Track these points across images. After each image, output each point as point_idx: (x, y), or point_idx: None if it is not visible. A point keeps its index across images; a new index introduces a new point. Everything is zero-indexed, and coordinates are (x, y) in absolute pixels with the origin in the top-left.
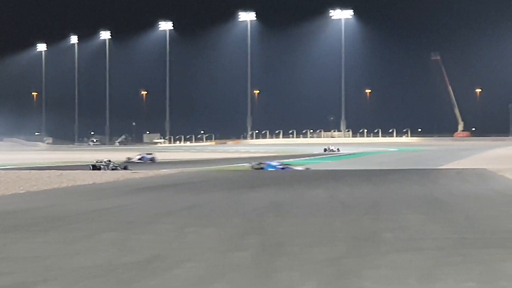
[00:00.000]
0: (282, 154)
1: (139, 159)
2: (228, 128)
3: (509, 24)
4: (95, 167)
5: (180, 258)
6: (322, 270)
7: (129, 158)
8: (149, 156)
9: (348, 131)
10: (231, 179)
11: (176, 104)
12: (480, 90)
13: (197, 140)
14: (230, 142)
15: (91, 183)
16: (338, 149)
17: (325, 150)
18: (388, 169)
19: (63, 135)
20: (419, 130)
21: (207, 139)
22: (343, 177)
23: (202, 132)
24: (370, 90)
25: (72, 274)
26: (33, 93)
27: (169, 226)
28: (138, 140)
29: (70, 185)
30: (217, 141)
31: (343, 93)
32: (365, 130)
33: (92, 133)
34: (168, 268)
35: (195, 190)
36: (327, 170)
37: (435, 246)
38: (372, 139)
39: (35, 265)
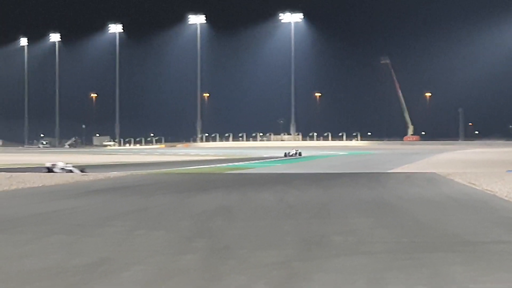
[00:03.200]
0: (231, 157)
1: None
2: (178, 131)
3: (458, 28)
4: None
5: (128, 261)
6: (270, 274)
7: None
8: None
9: (298, 134)
10: (180, 181)
11: (126, 106)
12: (430, 94)
13: (147, 143)
14: (179, 145)
15: (40, 185)
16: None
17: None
18: (338, 173)
19: (13, 137)
20: (369, 133)
21: (157, 142)
22: (292, 181)
23: (152, 135)
24: (319, 94)
25: (20, 277)
26: None
27: (118, 229)
28: (88, 142)
29: (20, 187)
30: (167, 144)
31: (292, 96)
32: (315, 134)
33: (42, 135)
34: (116, 271)
35: (144, 193)
36: (276, 173)
37: (384, 249)
38: (321, 143)
39: None
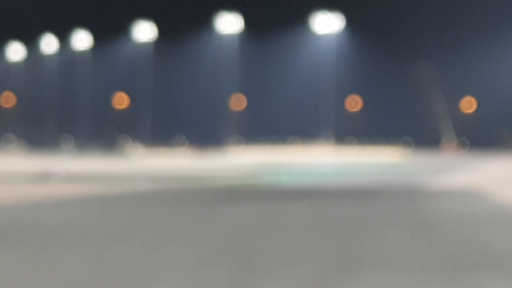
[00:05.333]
0: (265, 165)
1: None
2: (210, 136)
3: (500, 35)
4: None
5: (157, 275)
6: None
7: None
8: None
9: (335, 140)
10: (210, 192)
11: (156, 112)
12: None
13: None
14: (212, 152)
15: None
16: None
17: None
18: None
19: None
20: (409, 141)
21: (187, 147)
22: (327, 193)
23: (182, 140)
24: (359, 99)
25: None
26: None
27: (146, 242)
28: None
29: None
30: (197, 149)
31: (329, 102)
32: (353, 140)
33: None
34: (145, 284)
35: (172, 205)
36: (310, 185)
37: (423, 266)
38: (358, 150)
39: (8, 280)
